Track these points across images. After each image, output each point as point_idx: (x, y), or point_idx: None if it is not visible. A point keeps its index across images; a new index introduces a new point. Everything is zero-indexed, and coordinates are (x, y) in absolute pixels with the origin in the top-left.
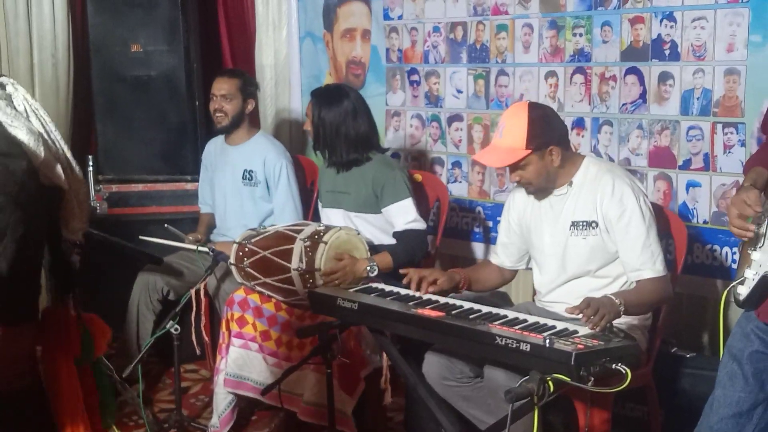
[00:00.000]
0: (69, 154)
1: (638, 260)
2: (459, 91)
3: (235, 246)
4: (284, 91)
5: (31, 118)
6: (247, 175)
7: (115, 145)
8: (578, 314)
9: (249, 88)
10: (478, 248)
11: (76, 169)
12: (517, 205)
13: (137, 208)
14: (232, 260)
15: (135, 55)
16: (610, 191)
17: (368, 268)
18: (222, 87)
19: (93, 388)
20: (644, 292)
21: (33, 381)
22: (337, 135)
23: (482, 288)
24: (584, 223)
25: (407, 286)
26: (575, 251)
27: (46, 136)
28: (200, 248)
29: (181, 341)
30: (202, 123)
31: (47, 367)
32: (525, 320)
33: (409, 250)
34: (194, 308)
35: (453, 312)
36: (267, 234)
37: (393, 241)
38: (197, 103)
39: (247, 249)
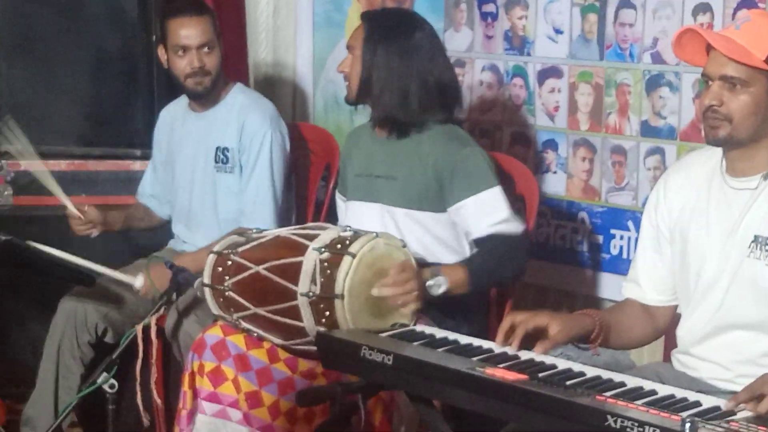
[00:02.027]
0: None
1: None
2: (558, 32)
3: (211, 257)
4: (286, 25)
5: None
6: (221, 156)
7: (26, 101)
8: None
9: (217, 24)
10: (582, 276)
11: None
12: (671, 201)
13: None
14: (206, 279)
15: None
16: None
17: (431, 282)
18: (197, 33)
19: None
20: None
21: None
22: (401, 83)
23: (624, 341)
24: None
25: (480, 334)
26: (751, 281)
27: None
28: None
29: (118, 404)
30: (162, 70)
31: None
32: (653, 391)
33: (496, 263)
34: (140, 354)
35: (541, 374)
36: (262, 240)
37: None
38: (154, 37)
39: (230, 262)
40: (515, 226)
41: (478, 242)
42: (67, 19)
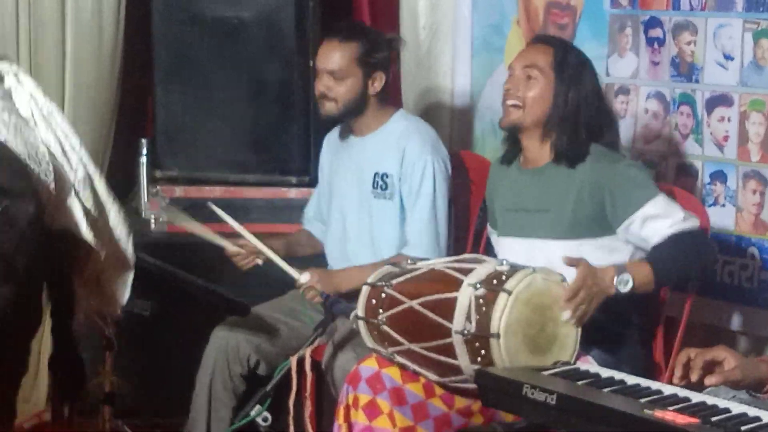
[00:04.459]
0: (101, 189)
1: None
2: (728, 58)
3: (365, 290)
4: (443, 51)
5: (40, 127)
6: (380, 182)
7: (182, 125)
8: None
9: (375, 55)
10: (751, 315)
11: (112, 214)
12: None
13: (212, 224)
14: (360, 312)
15: None
16: None
17: (617, 279)
18: (330, 58)
19: None
20: None
21: None
22: (585, 116)
23: None
24: None
25: (644, 375)
26: None
27: (60, 157)
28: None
29: None
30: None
31: None
32: None
33: (682, 256)
34: (294, 387)
35: (714, 419)
36: (417, 273)
37: None
38: (312, 63)
39: (384, 295)
40: (694, 222)
41: (658, 246)
42: (224, 44)
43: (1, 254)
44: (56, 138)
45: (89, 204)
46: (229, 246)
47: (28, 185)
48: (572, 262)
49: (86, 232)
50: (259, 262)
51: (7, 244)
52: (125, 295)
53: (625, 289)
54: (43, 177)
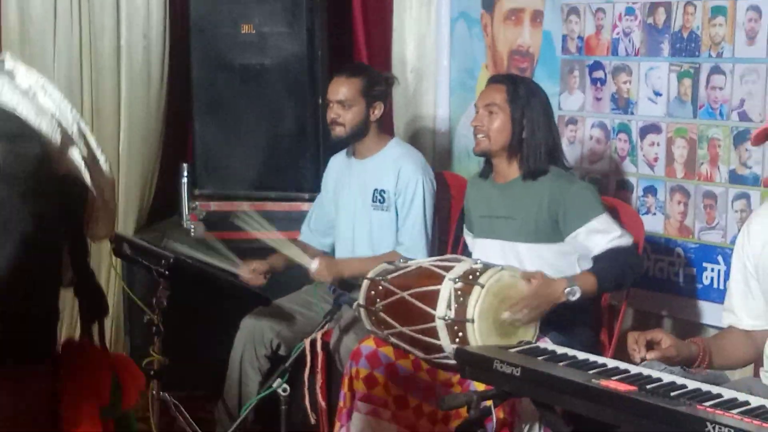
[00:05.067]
0: (92, 141)
1: None
2: (657, 94)
3: (366, 283)
4: (428, 89)
5: (39, 97)
6: (378, 197)
7: (216, 152)
8: None
9: (375, 88)
10: (677, 303)
11: (101, 159)
12: (754, 243)
13: (240, 233)
14: (361, 301)
15: (246, 38)
16: None
17: (567, 290)
18: (338, 91)
19: None
20: None
21: None
22: (545, 136)
23: (726, 363)
24: None
25: (592, 351)
26: None
27: (58, 116)
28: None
29: (290, 405)
30: (327, 126)
31: (67, 416)
32: (746, 402)
33: (618, 269)
34: (308, 363)
35: (648, 386)
36: (407, 270)
37: None
38: (321, 100)
39: (381, 287)
40: (627, 240)
41: (599, 257)
42: (249, 86)
43: (13, 183)
44: (52, 101)
45: (85, 153)
46: (243, 274)
47: (34, 134)
48: (528, 276)
49: (87, 175)
50: (264, 281)
51: (18, 175)
52: (107, 232)
53: (574, 298)
54: (46, 130)
